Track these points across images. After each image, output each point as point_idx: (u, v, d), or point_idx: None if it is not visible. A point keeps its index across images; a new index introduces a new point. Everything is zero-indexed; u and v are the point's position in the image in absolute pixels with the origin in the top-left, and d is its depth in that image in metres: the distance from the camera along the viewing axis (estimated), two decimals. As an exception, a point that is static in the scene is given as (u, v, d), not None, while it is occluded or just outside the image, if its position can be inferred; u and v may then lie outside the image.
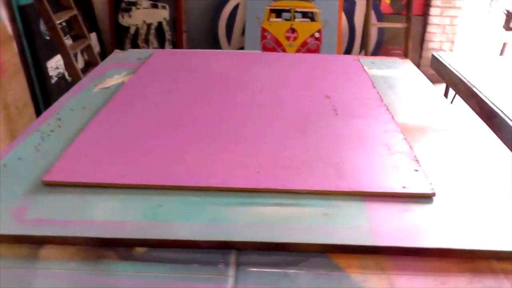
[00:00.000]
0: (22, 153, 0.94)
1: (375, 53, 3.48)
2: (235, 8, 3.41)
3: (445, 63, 1.62)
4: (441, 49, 3.58)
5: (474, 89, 1.37)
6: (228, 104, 1.18)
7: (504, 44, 3.29)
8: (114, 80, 1.33)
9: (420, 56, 3.62)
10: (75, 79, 2.19)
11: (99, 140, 0.97)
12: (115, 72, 1.40)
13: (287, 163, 0.89)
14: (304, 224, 0.73)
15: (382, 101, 1.21)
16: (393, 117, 1.11)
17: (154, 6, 3.27)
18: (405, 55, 3.03)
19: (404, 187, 0.82)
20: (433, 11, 3.45)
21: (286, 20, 3.41)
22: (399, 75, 1.48)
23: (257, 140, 0.98)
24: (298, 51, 3.48)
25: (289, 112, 1.14)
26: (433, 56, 1.78)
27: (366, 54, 3.07)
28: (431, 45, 3.55)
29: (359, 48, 3.66)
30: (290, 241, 0.69)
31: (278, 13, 3.41)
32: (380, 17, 3.43)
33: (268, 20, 3.39)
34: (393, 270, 0.66)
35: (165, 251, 0.69)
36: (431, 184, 0.82)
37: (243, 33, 3.43)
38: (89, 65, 2.55)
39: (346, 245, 0.69)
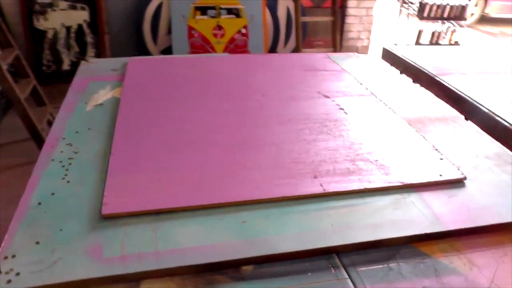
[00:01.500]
0: (52, 188, 0.85)
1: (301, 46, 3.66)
2: (159, 7, 3.30)
3: (400, 55, 1.80)
4: (359, 38, 3.89)
5: (437, 78, 1.55)
6: (234, 110, 1.19)
7: (420, 32, 3.69)
8: (102, 96, 1.25)
9: (341, 46, 3.88)
10: (9, 93, 1.96)
11: (132, 164, 0.92)
12: (98, 86, 1.31)
13: (339, 166, 0.94)
14: (382, 220, 0.79)
15: (376, 97, 1.32)
16: (394, 112, 1.22)
17: (73, 7, 3.02)
18: (333, 46, 3.23)
19: (441, 175, 0.92)
20: (350, 3, 3.71)
21: (212, 17, 3.41)
22: (369, 70, 1.61)
23: (295, 145, 1.02)
24: (226, 47, 3.51)
25: (299, 115, 1.19)
26: (384, 49, 1.95)
27: (298, 48, 3.21)
28: (350, 35, 3.83)
29: (284, 42, 3.80)
30: (383, 237, 0.75)
31: (203, 10, 3.39)
32: (302, 10, 3.60)
33: (194, 17, 3.35)
34: (466, 249, 0.76)
35: (268, 266, 0.70)
36: (459, 169, 0.95)
37: (169, 32, 3.35)
38: (18, 76, 2.28)
39: (425, 234, 0.77)
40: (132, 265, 0.67)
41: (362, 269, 0.70)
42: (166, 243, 0.72)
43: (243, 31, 3.50)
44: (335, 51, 3.68)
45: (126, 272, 0.66)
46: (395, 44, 4.50)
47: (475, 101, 1.35)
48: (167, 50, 3.37)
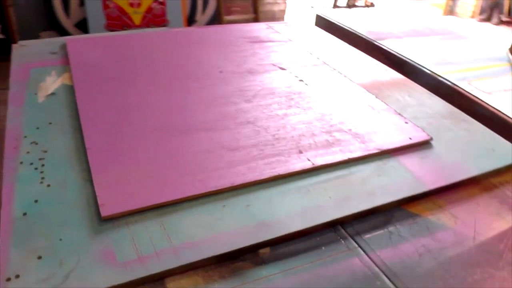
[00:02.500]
0: (33, 194, 0.79)
1: (218, 12, 3.59)
2: (68, -26, 3.01)
3: (335, 22, 1.85)
4: (276, 3, 3.90)
5: (376, 43, 1.64)
6: (198, 88, 1.16)
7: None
8: (51, 84, 1.15)
9: (257, 12, 3.86)
10: None
11: (113, 158, 0.88)
12: (42, 73, 1.19)
13: (318, 139, 0.98)
14: (370, 189, 0.85)
15: (330, 66, 1.37)
16: (350, 80, 1.28)
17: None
18: (255, 12, 3.21)
19: (410, 138, 1.01)
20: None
21: (128, -15, 3.20)
22: (313, 39, 1.65)
23: (266, 123, 1.03)
24: (144, 17, 3.33)
25: (263, 90, 1.20)
26: (318, 16, 1.99)
27: (220, 15, 3.14)
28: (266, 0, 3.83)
29: (202, 8, 3.69)
30: (378, 204, 0.81)
31: (118, -22, 3.16)
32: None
33: (108, -13, 3.11)
34: (447, 205, 0.86)
35: (283, 246, 0.73)
36: (424, 131, 1.04)
37: (82, 3, 3.08)
38: None
39: (412, 196, 0.85)
40: (152, 265, 0.66)
41: (367, 236, 0.76)
42: (179, 237, 0.71)
43: (160, -1, 3.34)
44: (256, 17, 3.67)
45: (149, 273, 0.65)
46: (312, 7, 4.60)
47: (417, 63, 1.46)
48: (82, 23, 3.11)
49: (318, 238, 0.75)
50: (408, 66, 1.48)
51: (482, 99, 1.23)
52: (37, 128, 0.97)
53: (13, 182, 0.82)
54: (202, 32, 1.67)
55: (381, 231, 0.78)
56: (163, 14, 3.36)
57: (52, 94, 1.11)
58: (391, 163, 0.93)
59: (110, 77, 1.19)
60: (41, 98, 1.09)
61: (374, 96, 1.19)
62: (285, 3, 3.97)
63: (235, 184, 0.82)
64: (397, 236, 0.77)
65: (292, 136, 0.99)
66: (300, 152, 0.93)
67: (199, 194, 0.79)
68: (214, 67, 1.32)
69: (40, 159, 0.88)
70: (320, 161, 0.91)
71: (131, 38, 1.52)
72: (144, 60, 1.33)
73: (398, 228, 0.79)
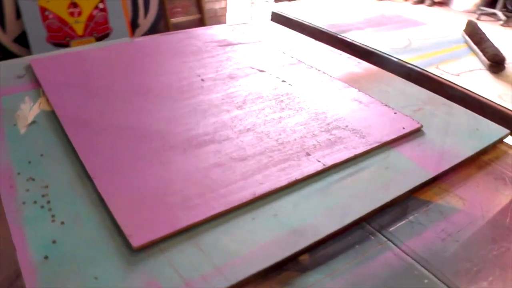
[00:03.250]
0: (49, 235, 0.74)
1: (160, 15, 3.50)
2: (-3, -14, 2.79)
3: (295, 18, 1.88)
4: (216, 0, 3.87)
5: (339, 36, 1.69)
6: (184, 99, 1.14)
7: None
8: (30, 112, 1.07)
9: (202, 12, 3.81)
10: None
11: (123, 184, 0.84)
12: (15, 101, 1.11)
13: (321, 139, 1.00)
14: (383, 182, 0.89)
15: (305, 63, 1.40)
16: (330, 76, 1.32)
17: None
18: (200, 13, 3.17)
19: (404, 127, 1.06)
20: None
21: (65, -7, 3.03)
22: (278, 36, 1.67)
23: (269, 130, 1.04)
24: (86, 26, 3.18)
25: (250, 95, 1.20)
26: (274, 13, 2.01)
27: (166, 18, 3.07)
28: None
29: (144, 12, 3.59)
30: (394, 196, 0.85)
31: (52, -14, 2.98)
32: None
33: (44, -4, 2.93)
34: (451, 188, 0.91)
35: (319, 250, 0.75)
36: (413, 119, 1.09)
37: (18, 16, 2.88)
38: None
39: (420, 184, 0.89)
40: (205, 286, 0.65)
41: (391, 229, 0.80)
42: (220, 257, 0.70)
43: (101, 6, 3.21)
44: (202, 17, 3.63)
45: (202, 299, 0.64)
46: (253, 3, 4.62)
47: (384, 53, 1.52)
48: (22, 37, 2.91)
49: (349, 238, 0.77)
50: (376, 57, 1.54)
51: (454, 82, 1.31)
52: (29, 162, 0.91)
53: (20, 224, 0.76)
54: (167, 40, 1.63)
55: (402, 222, 0.82)
56: (105, 21, 3.23)
57: (33, 122, 1.04)
58: (392, 155, 0.98)
59: (89, 96, 1.14)
60: (22, 129, 1.01)
61: (357, 90, 1.23)
62: (225, 0, 3.96)
63: (257, 194, 0.82)
64: (417, 225, 0.81)
65: (295, 139, 1.00)
66: (308, 154, 0.95)
67: (226, 210, 0.78)
68: (194, 75, 1.30)
69: (43, 195, 0.82)
70: (329, 161, 0.93)
71: (97, 52, 1.45)
72: (119, 74, 1.27)
73: (416, 216, 0.83)
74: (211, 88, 1.22)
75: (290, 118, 1.09)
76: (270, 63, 1.41)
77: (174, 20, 3.26)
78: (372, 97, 1.19)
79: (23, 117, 1.05)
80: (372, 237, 0.78)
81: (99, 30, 3.22)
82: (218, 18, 4.07)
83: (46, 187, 0.84)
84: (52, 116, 1.06)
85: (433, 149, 1.00)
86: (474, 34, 1.63)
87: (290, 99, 1.18)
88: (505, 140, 1.09)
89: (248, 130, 1.02)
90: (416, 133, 1.06)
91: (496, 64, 1.43)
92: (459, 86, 1.30)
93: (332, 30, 1.76)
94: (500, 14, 5.48)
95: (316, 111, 1.12)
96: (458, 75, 1.40)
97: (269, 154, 0.94)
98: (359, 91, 1.23)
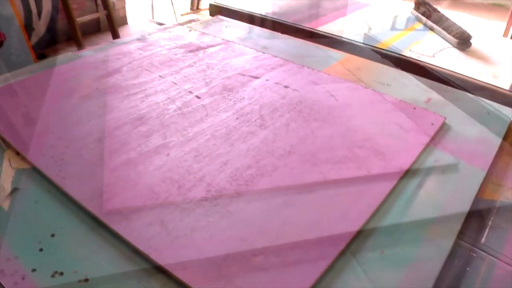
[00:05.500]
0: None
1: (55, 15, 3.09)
2: None
3: (241, 10, 1.74)
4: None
5: (299, 26, 1.59)
6: (193, 117, 0.98)
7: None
8: (6, 178, 0.83)
9: (108, 8, 3.41)
10: None
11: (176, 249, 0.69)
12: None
13: (336, 150, 0.93)
14: (456, 191, 0.85)
15: (294, 63, 1.30)
16: (328, 74, 1.24)
17: None
18: (108, 14, 2.83)
19: (432, 123, 1.03)
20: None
21: None
22: (241, 34, 1.54)
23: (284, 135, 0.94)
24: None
25: (253, 106, 1.08)
26: (212, 5, 1.83)
27: (71, 18, 2.68)
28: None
29: (37, 14, 3.12)
30: (471, 203, 0.82)
31: None
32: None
33: None
34: (502, 181, 0.92)
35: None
36: (435, 113, 1.07)
37: None
38: None
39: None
40: None
41: (483, 241, 0.77)
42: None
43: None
44: (109, 13, 3.26)
45: None
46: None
47: (357, 42, 1.48)
48: None
49: (456, 261, 0.72)
50: (347, 46, 1.50)
51: (438, 65, 1.32)
52: (40, 250, 0.68)
53: None
54: (124, 52, 1.38)
55: (487, 230, 0.79)
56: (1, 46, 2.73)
57: (16, 190, 0.79)
58: (435, 154, 0.94)
59: (68, 113, 0.91)
60: (4, 202, 0.77)
61: (371, 89, 1.17)
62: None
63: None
64: (500, 229, 0.80)
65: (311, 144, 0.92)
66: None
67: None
68: (184, 92, 1.12)
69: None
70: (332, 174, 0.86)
71: (45, 76, 1.18)
72: (92, 100, 1.04)
73: (493, 221, 0.81)
74: (214, 106, 1.07)
75: (320, 129, 0.99)
76: (256, 66, 1.28)
77: (79, 20, 2.84)
78: (381, 95, 1.15)
79: (1, 185, 0.80)
80: (474, 254, 0.74)
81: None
82: (116, 12, 3.70)
83: (86, 280, 0.65)
84: (34, 174, 0.83)
85: (468, 143, 0.99)
86: (431, 12, 1.67)
87: (307, 108, 1.08)
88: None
89: (290, 153, 0.91)
90: (445, 124, 1.04)
91: (463, 41, 1.48)
92: (443, 68, 1.31)
93: (289, 20, 1.67)
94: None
95: (347, 124, 1.03)
96: (433, 56, 1.42)
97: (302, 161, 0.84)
98: (373, 90, 1.17)
